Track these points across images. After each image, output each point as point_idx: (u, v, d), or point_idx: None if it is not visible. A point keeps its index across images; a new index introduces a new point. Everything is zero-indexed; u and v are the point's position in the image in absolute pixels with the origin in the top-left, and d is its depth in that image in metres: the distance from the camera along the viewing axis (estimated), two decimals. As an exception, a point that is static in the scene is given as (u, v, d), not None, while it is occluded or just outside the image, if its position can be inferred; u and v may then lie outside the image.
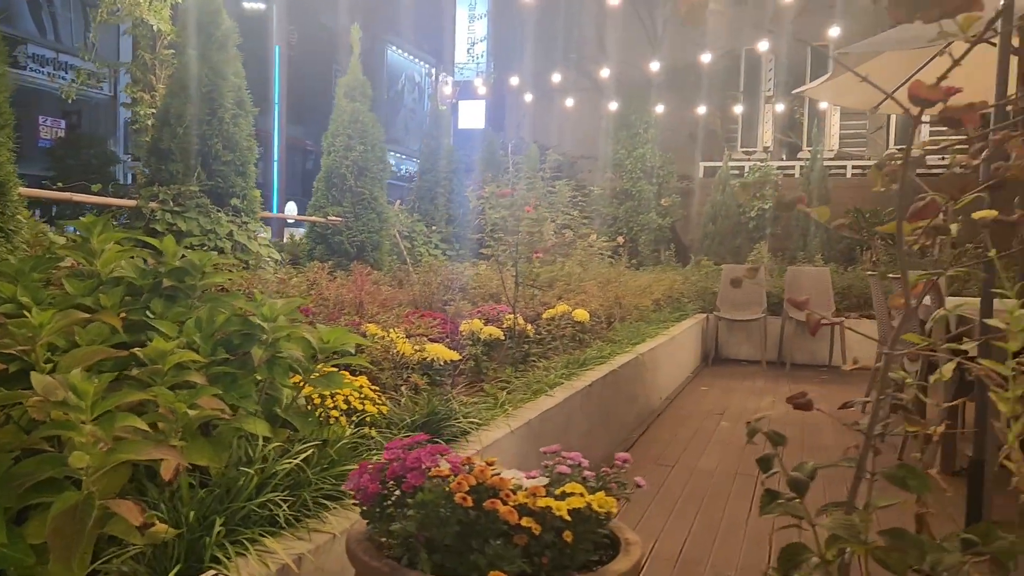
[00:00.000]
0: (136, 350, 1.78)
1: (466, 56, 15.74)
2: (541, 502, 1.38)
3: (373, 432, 2.39)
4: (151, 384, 1.74)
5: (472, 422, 2.71)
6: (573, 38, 13.55)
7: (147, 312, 2.04)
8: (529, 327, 4.50)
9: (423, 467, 1.44)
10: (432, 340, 3.58)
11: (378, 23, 15.63)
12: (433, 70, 16.55)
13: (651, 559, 2.93)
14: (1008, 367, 1.34)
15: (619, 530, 1.55)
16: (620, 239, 10.32)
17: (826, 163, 10.02)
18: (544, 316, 4.93)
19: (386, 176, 6.00)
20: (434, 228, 7.01)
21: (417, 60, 18.00)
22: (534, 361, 4.26)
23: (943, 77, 1.14)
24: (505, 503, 1.36)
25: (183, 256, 2.25)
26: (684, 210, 11.25)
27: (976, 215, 1.42)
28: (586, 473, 1.61)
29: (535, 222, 7.62)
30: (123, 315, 2.02)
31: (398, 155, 16.84)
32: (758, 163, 10.62)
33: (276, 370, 2.06)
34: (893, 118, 10.44)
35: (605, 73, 10.96)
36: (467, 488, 1.36)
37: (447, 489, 1.37)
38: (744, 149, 11.89)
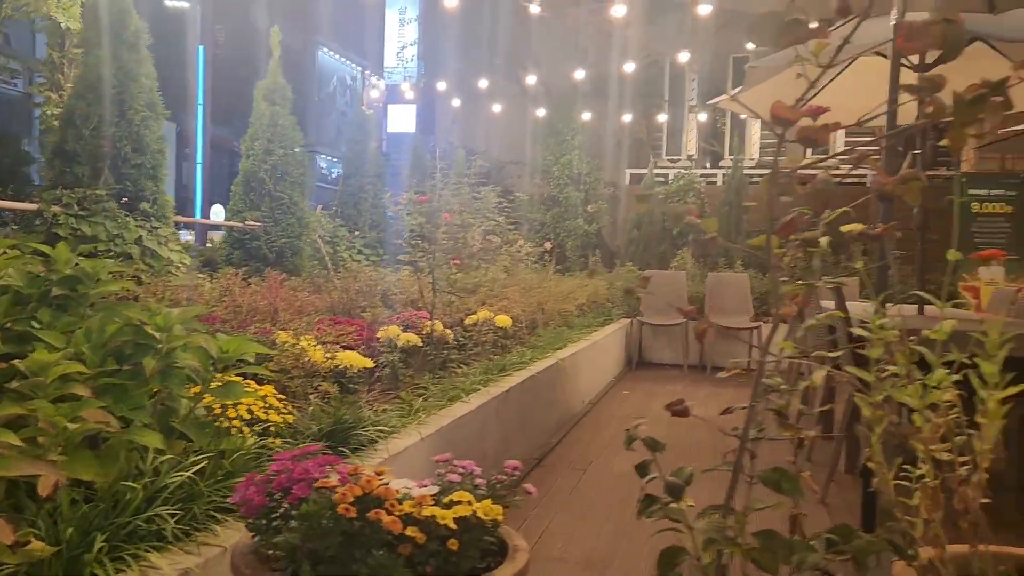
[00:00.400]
0: (16, 362, 1.72)
1: (396, 60, 15.65)
2: (426, 511, 1.39)
3: (277, 442, 2.36)
4: (32, 397, 1.68)
5: (381, 430, 2.70)
6: (502, 44, 13.63)
7: (33, 322, 1.97)
8: (449, 333, 4.50)
9: (310, 478, 1.44)
10: (347, 347, 3.55)
11: (310, 24, 15.42)
12: (364, 74, 16.40)
13: (559, 562, 2.97)
14: (871, 373, 1.41)
15: (508, 536, 1.57)
16: (547, 245, 10.42)
17: (747, 171, 10.32)
18: (466, 322, 4.94)
19: (307, 180, 5.93)
20: (358, 233, 6.96)
21: (349, 62, 17.82)
22: (454, 367, 4.27)
23: (802, 98, 1.20)
24: (390, 513, 1.36)
25: (76, 264, 2.18)
26: (611, 216, 11.42)
27: (843, 228, 1.49)
28: (478, 480, 1.62)
29: (460, 228, 7.65)
30: (8, 325, 1.95)
31: (330, 158, 16.61)
32: (682, 171, 10.87)
33: (172, 381, 2.01)
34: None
35: (534, 80, 11.06)
36: (352, 499, 1.36)
37: (331, 500, 1.36)
38: (669, 157, 12.15)
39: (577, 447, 4.77)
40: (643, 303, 8.42)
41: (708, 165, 12.02)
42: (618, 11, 8.11)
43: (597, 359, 6.59)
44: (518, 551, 1.51)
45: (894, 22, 4.18)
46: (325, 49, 16.98)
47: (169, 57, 4.45)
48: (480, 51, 13.37)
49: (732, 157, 10.58)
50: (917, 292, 2.23)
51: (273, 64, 5.83)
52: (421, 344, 4.09)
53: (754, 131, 11.34)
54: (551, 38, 12.01)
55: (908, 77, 3.28)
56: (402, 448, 2.65)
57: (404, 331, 4.13)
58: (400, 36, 15.81)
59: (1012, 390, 1.36)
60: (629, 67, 10.10)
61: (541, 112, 11.36)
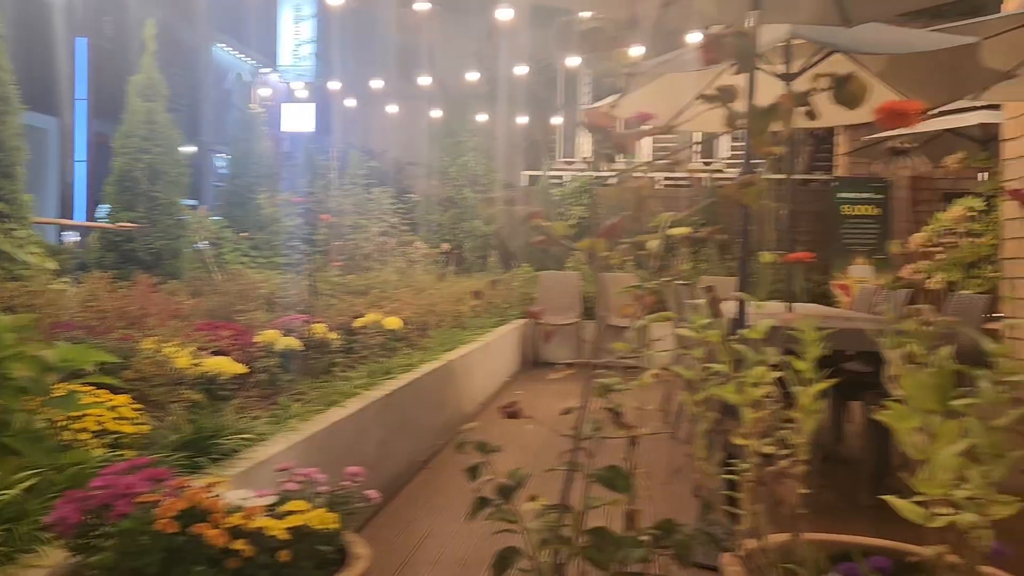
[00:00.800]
0: None
1: (291, 58, 15.29)
2: (256, 523, 1.36)
3: (130, 454, 2.26)
4: None
5: (246, 438, 2.63)
6: (399, 45, 13.51)
7: None
8: (333, 336, 4.43)
9: (134, 493, 1.38)
10: (221, 353, 3.44)
11: (205, 18, 14.87)
12: (257, 71, 15.94)
13: (435, 565, 2.97)
14: (694, 372, 1.47)
15: (351, 544, 1.55)
16: (445, 246, 10.40)
17: (639, 175, 10.56)
18: (355, 325, 4.87)
19: (186, 180, 5.70)
20: (244, 235, 6.76)
21: (247, 59, 17.27)
22: (339, 371, 4.20)
23: (614, 104, 1.24)
24: (217, 526, 1.33)
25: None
26: (509, 217, 11.48)
27: (673, 231, 1.55)
28: (320, 488, 1.59)
29: (351, 229, 7.54)
30: None
31: (229, 157, 16.02)
32: (577, 173, 11.03)
33: (4, 393, 1.90)
34: (699, 134, 11.18)
35: (430, 81, 11.02)
36: (173, 513, 1.31)
37: (152, 515, 1.31)
38: (564, 160, 12.32)
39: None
40: (538, 303, 8.51)
41: (603, 168, 12.24)
42: (510, 15, 8.18)
43: (490, 360, 6.61)
44: (358, 559, 1.50)
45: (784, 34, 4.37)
46: (221, 44, 16.42)
47: (49, 50, 4.16)
48: (377, 51, 13.22)
49: (625, 160, 10.81)
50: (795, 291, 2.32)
51: (147, 58, 5.58)
52: (302, 348, 4.01)
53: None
54: (447, 40, 12.00)
55: (771, 87, 3.43)
56: (267, 456, 2.58)
57: (285, 335, 4.03)
58: (296, 33, 15.46)
59: (823, 384, 1.44)
60: (523, 70, 10.18)
61: (439, 113, 11.33)
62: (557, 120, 12.24)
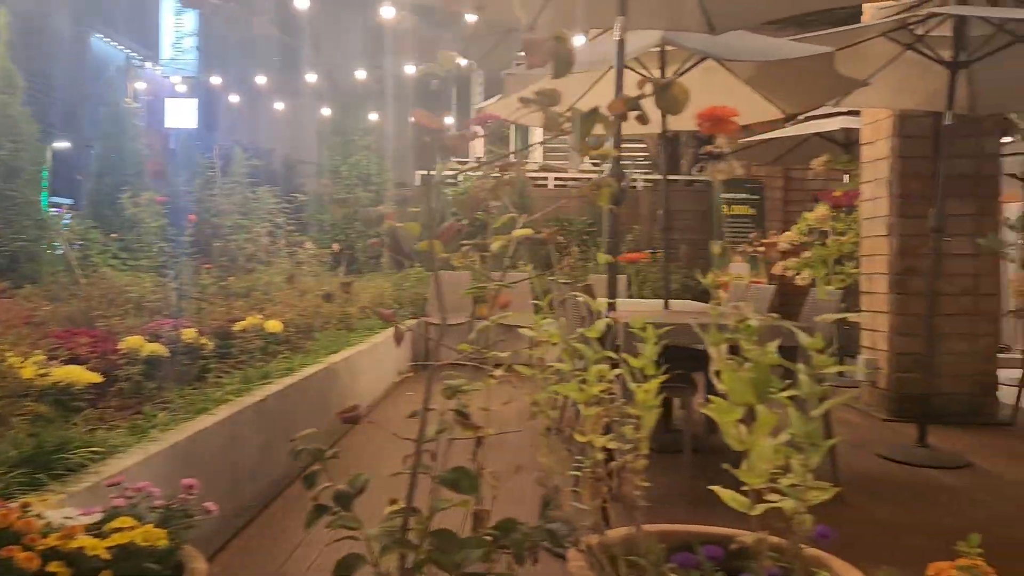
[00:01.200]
0: None
1: (172, 51, 14.66)
2: (75, 543, 1.28)
3: (-39, 473, 2.11)
4: None
5: (97, 452, 2.49)
6: (289, 41, 13.18)
7: None
8: (206, 341, 4.27)
9: (-63, 516, 1.28)
10: (77, 361, 3.26)
11: (83, 8, 14.06)
12: (135, 64, 15.20)
13: (311, 570, 2.90)
14: (530, 370, 1.49)
15: (189, 559, 1.49)
16: (335, 246, 10.21)
17: (530, 175, 10.67)
18: (235, 329, 4.72)
19: (45, 178, 5.37)
20: (114, 236, 6.43)
21: (128, 51, 16.43)
22: (215, 378, 4.05)
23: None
24: (29, 548, 1.25)
25: None
26: (402, 217, 11.38)
27: (515, 233, 1.56)
28: (156, 503, 1.53)
29: (236, 229, 7.29)
30: None
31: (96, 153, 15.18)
32: (470, 173, 11.06)
33: None
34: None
35: (322, 79, 10.80)
36: (-21, 536, 1.22)
37: (-46, 540, 1.22)
38: (458, 159, 12.34)
39: (349, 453, 4.69)
40: (430, 303, 8.48)
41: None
42: (403, 15, 8.11)
43: (379, 361, 6.53)
44: (194, 573, 1.44)
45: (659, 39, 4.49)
46: (100, 35, 15.57)
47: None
48: (262, 46, 12.84)
49: (517, 161, 10.90)
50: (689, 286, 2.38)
51: (0, 48, 5.23)
52: (170, 355, 3.85)
53: (536, 135, 11.78)
54: (335, 37, 11.79)
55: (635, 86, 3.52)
56: (120, 469, 2.45)
57: (151, 341, 3.86)
58: (177, 26, 14.84)
59: (660, 379, 1.49)
60: (416, 69, 10.12)
61: (330, 111, 11.12)
62: (450, 120, 12.23)
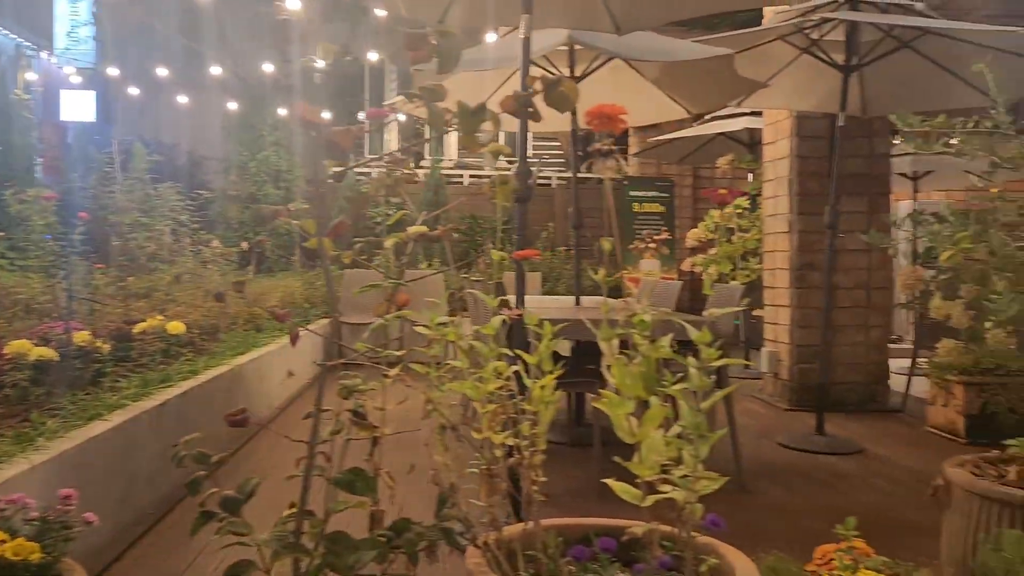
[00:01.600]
0: None
1: (67, 41, 13.95)
2: (-65, 560, 1.20)
3: None
4: None
5: (-30, 463, 2.35)
6: (195, 33, 12.73)
7: None
8: (101, 344, 4.09)
9: None
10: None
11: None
12: (32, 53, 14.38)
13: (211, 579, 2.81)
14: (430, 369, 1.48)
15: (68, 572, 1.42)
16: (244, 244, 9.93)
17: (445, 172, 10.64)
18: (134, 331, 4.53)
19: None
20: (2, 235, 6.07)
21: (20, 40, 15.50)
22: (111, 382, 3.88)
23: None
24: None
25: None
26: (320, 215, 11.16)
27: (412, 230, 1.55)
28: (32, 515, 1.45)
29: (136, 227, 7.00)
30: None
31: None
32: (384, 169, 10.92)
33: None
34: (502, 134, 11.47)
35: (228, 72, 10.47)
36: None
37: None
38: (372, 156, 12.19)
39: (255, 456, 4.58)
40: (343, 302, 8.34)
41: (412, 164, 12.22)
42: (311, 8, 7.94)
43: (289, 362, 6.39)
44: (72, 588, 1.37)
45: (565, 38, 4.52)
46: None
47: None
48: (168, 37, 12.37)
49: (432, 158, 10.85)
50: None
51: None
52: (63, 359, 3.67)
53: (453, 132, 11.71)
54: (245, 30, 11.46)
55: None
56: (1, 481, 2.32)
57: (42, 344, 3.67)
58: (73, 14, 14.13)
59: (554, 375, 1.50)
60: (326, 64, 9.93)
61: (237, 106, 10.79)
62: (362, 115, 12.07)
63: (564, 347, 5.15)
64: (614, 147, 1.26)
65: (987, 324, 2.95)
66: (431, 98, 1.18)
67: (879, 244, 2.27)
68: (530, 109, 1.34)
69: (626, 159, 10.94)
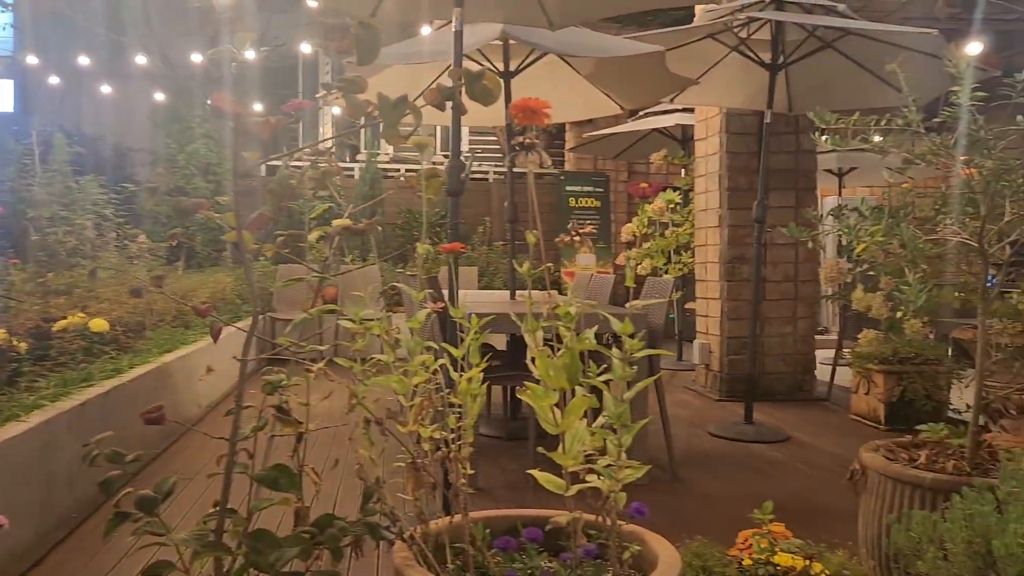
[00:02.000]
0: None
1: (-18, 25, 13.29)
2: None
3: None
4: None
5: None
6: (122, 21, 12.29)
7: None
8: (18, 342, 3.93)
9: None
10: None
11: None
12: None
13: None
14: (354, 364, 1.47)
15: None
16: (172, 240, 9.66)
17: (381, 166, 10.53)
18: (55, 328, 4.38)
19: None
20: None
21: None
22: (28, 382, 3.73)
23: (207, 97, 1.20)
24: None
25: None
26: (248, 209, 10.92)
27: (336, 223, 1.53)
28: (-66, 521, 1.38)
29: (56, 221, 6.74)
30: None
31: None
32: (319, 163, 10.75)
33: None
34: (438, 128, 11.38)
35: (156, 62, 10.15)
36: None
37: None
38: (295, 148, 11.96)
39: (184, 455, 4.47)
40: (276, 297, 8.22)
41: (347, 158, 12.05)
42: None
43: (220, 359, 6.24)
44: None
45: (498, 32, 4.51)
46: None
47: None
48: (85, 24, 11.91)
49: (367, 151, 10.73)
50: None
51: None
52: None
53: (409, 130, 11.55)
54: (174, 20, 11.13)
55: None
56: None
57: (-49, 344, 3.51)
58: (-13, -2, 13.47)
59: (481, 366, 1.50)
60: (259, 55, 9.72)
61: (164, 97, 10.47)
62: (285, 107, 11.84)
63: (499, 341, 5.18)
64: (536, 141, 1.27)
65: (899, 314, 3.07)
66: (351, 89, 1.17)
67: (799, 237, 2.34)
68: (454, 102, 1.34)
69: (562, 154, 11.02)
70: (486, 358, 1.55)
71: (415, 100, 1.31)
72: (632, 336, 1.44)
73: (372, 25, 1.11)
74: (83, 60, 11.14)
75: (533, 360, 1.34)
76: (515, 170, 5.10)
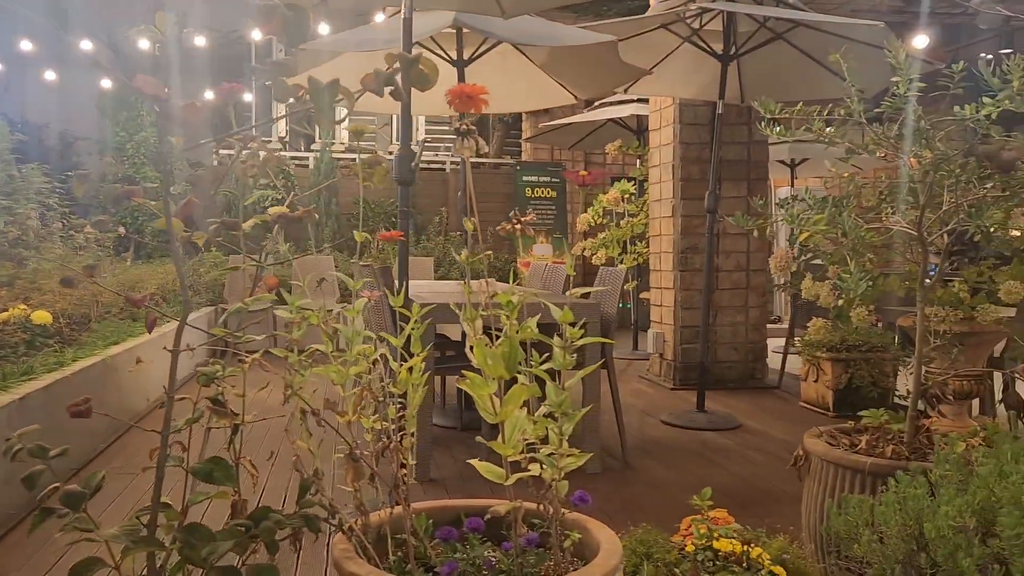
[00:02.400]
0: None
1: (-82, 7, 12.80)
2: None
3: None
4: None
5: None
6: (68, 5, 11.91)
7: None
8: (-46, 337, 3.80)
9: None
10: None
11: None
12: None
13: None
14: (294, 358, 1.45)
15: None
16: (121, 230, 9.44)
17: (336, 155, 10.41)
18: (-6, 322, 4.25)
19: None
20: None
21: None
22: (-35, 376, 3.61)
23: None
24: None
25: None
26: (200, 199, 10.71)
27: (272, 210, 1.50)
28: None
29: (1, 210, 6.53)
30: None
31: None
32: (273, 152, 10.59)
33: None
34: (394, 117, 11.28)
35: (102, 48, 9.87)
36: None
37: None
38: (262, 138, 11.78)
39: (127, 451, 4.38)
40: (227, 289, 8.08)
41: (302, 147, 11.89)
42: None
43: (169, 352, 6.12)
44: None
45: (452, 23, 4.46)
46: None
47: None
48: (35, 10, 11.54)
49: (322, 140, 10.59)
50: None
51: None
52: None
53: (343, 115, 11.44)
54: (120, 3, 10.83)
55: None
56: None
57: None
58: (-77, -22, 12.96)
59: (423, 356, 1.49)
60: (209, 41, 9.52)
61: (111, 84, 10.20)
62: (249, 96, 11.65)
63: (454, 331, 5.16)
64: (472, 127, 1.25)
65: (841, 302, 3.13)
66: (279, 73, 1.14)
67: (745, 227, 2.36)
68: (392, 88, 1.31)
69: (519, 144, 11.00)
70: (433, 348, 1.53)
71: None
72: (574, 325, 1.44)
73: (300, 7, 1.08)
74: (25, 46, 10.80)
75: (471, 348, 1.32)
76: (473, 160, 5.07)
